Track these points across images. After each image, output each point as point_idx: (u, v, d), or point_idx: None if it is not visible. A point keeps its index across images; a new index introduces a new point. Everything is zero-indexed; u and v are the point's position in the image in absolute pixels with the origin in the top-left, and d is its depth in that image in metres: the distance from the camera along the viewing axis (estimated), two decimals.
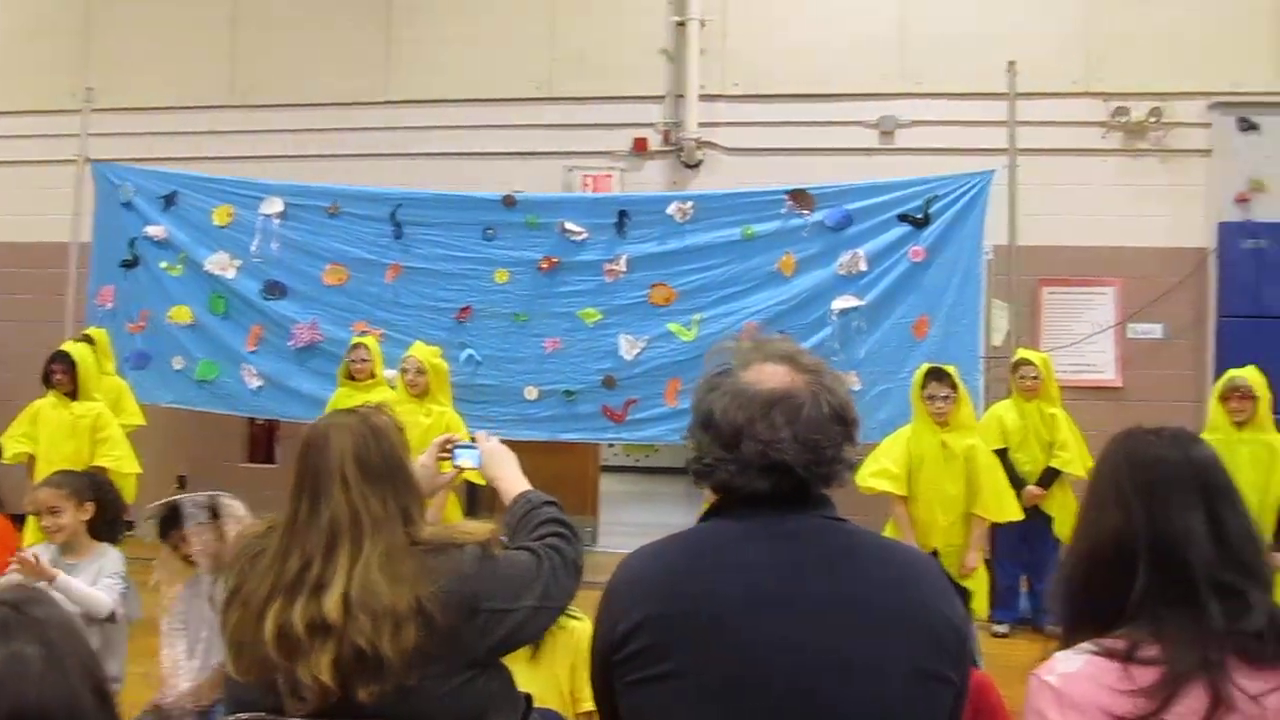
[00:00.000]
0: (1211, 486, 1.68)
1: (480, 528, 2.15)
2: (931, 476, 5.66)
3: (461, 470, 2.59)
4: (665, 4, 8.57)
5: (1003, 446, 6.40)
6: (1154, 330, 8.16)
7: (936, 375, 5.75)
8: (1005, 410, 6.57)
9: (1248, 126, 8.14)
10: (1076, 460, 6.34)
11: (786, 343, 1.89)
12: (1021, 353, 6.69)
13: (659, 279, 7.23)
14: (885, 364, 6.94)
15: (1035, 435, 6.47)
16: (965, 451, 5.68)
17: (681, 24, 8.46)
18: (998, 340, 7.64)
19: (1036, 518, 6.40)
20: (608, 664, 1.73)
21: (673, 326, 7.16)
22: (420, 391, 6.35)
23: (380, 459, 2.10)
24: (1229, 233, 8.04)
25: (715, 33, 8.48)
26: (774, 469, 1.70)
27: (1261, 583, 1.64)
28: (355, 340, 6.83)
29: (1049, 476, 6.44)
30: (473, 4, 8.76)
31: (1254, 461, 5.77)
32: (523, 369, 7.35)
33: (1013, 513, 5.83)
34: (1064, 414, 6.53)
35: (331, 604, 1.95)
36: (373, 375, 6.57)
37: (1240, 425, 5.86)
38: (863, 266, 7.05)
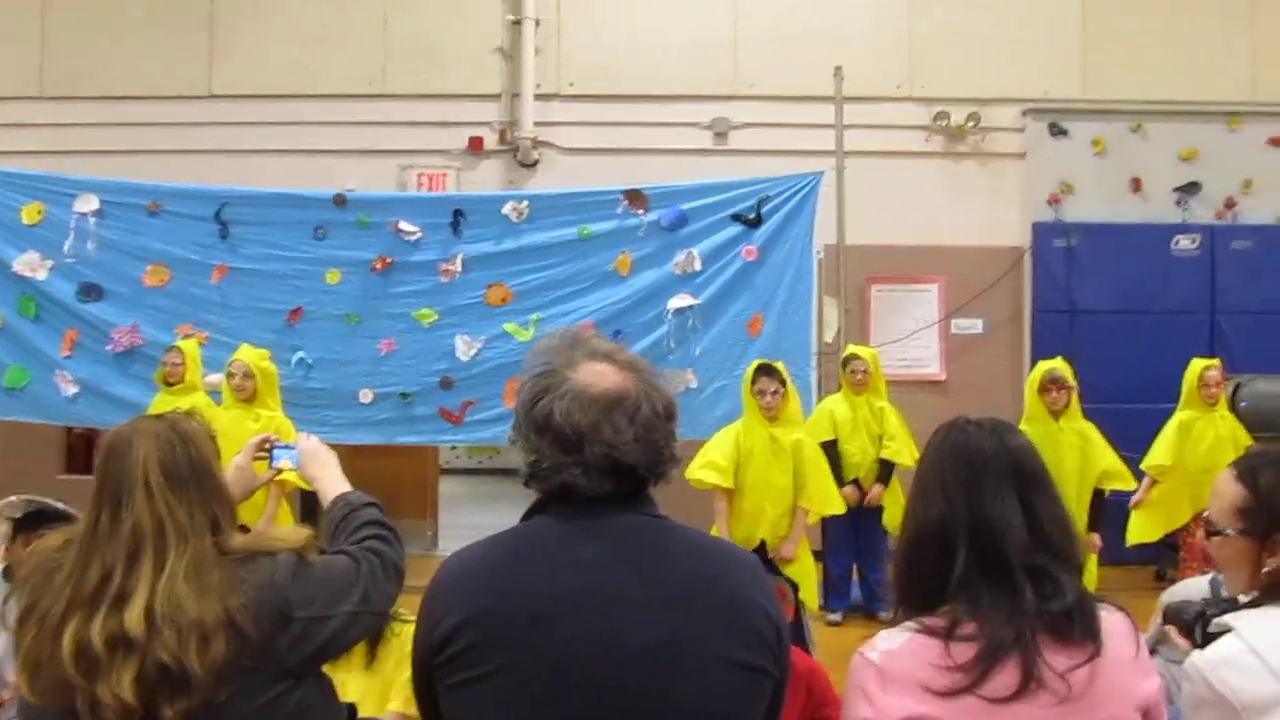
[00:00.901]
0: (1025, 474, 1.76)
1: (294, 534, 2.08)
2: (760, 469, 5.79)
3: (279, 471, 2.51)
4: (500, 2, 8.52)
5: (833, 438, 6.59)
6: (975, 325, 8.53)
7: (766, 371, 5.89)
8: (836, 403, 6.77)
9: (1058, 131, 8.59)
10: (904, 450, 6.56)
11: (600, 339, 1.89)
12: (851, 348, 6.90)
13: (495, 279, 7.16)
14: (720, 361, 7.04)
15: (864, 427, 6.68)
16: (793, 445, 5.84)
17: (517, 23, 8.43)
18: (829, 336, 7.86)
19: (868, 509, 6.61)
20: (429, 666, 1.71)
21: (510, 327, 7.11)
22: (248, 396, 6.16)
23: (187, 465, 2.02)
24: (1042, 232, 8.47)
25: (550, 32, 8.48)
26: (618, 470, 1.70)
27: (1071, 566, 1.73)
28: (173, 343, 6.56)
29: (886, 470, 6.65)
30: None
31: (1071, 449, 6.09)
32: (357, 371, 7.18)
33: (835, 506, 6.04)
34: (891, 407, 6.76)
35: (134, 618, 1.86)
36: (185, 380, 6.31)
37: (1057, 415, 6.15)
38: (697, 266, 7.14)
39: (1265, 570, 1.93)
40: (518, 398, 1.81)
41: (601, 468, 1.70)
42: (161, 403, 6.10)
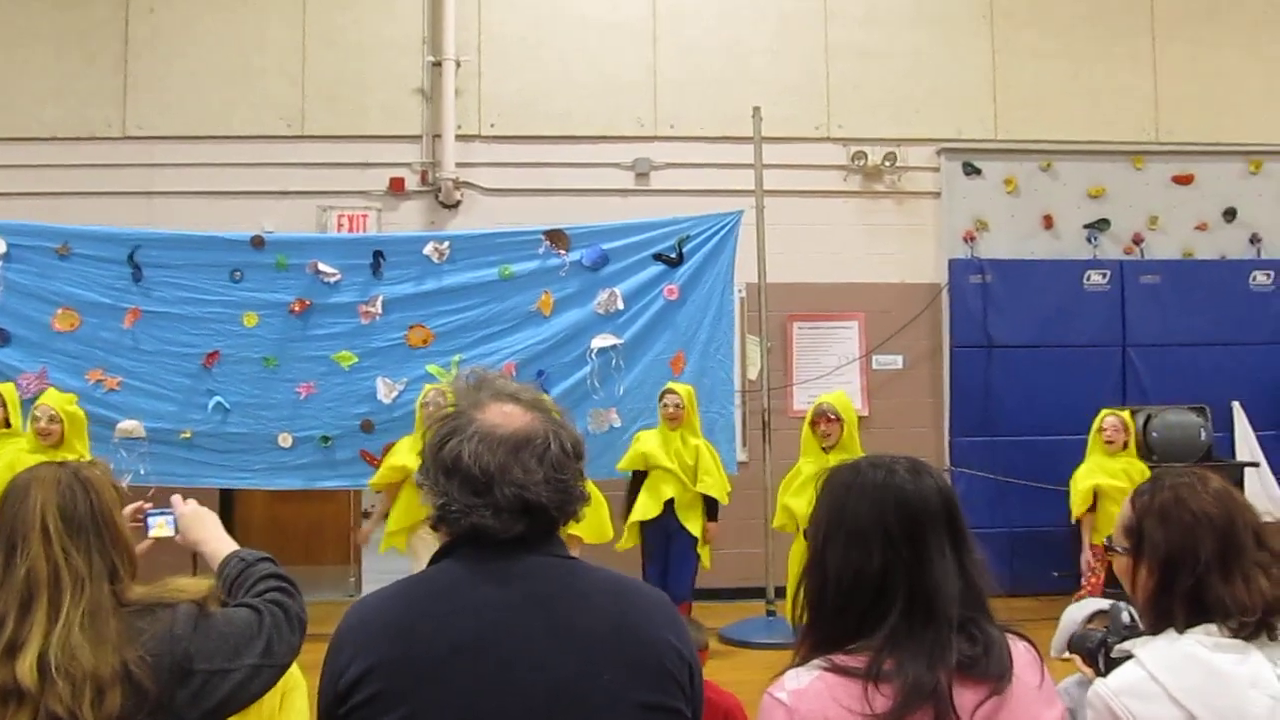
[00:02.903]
0: (956, 523, 1.74)
1: (195, 584, 2.02)
2: None
3: (154, 540, 2.42)
4: (420, 44, 8.50)
5: (644, 469, 6.61)
6: (895, 361, 8.65)
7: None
8: (649, 438, 6.72)
9: (971, 171, 8.79)
10: (716, 485, 6.60)
11: (506, 380, 1.88)
12: (669, 384, 6.82)
13: (416, 320, 7.12)
14: (644, 400, 7.05)
15: (677, 459, 6.62)
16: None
17: (437, 64, 8.42)
18: (753, 374, 7.91)
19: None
20: (334, 715, 1.67)
21: (432, 368, 7.06)
22: (54, 441, 5.97)
23: (87, 512, 1.96)
24: (958, 269, 8.64)
25: (471, 73, 8.48)
26: (529, 511, 1.69)
27: (989, 612, 1.72)
28: None
29: (711, 508, 6.67)
30: (217, 38, 8.41)
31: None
32: (275, 415, 7.07)
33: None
34: (705, 443, 6.72)
35: (25, 668, 1.79)
36: (7, 424, 6.14)
37: (828, 449, 6.24)
38: (620, 305, 7.17)
39: (1138, 592, 1.97)
40: (424, 440, 1.79)
41: (512, 509, 1.69)
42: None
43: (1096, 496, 6.74)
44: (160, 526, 2.38)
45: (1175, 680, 1.79)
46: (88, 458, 5.94)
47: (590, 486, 5.29)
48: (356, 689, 1.64)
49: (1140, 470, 6.78)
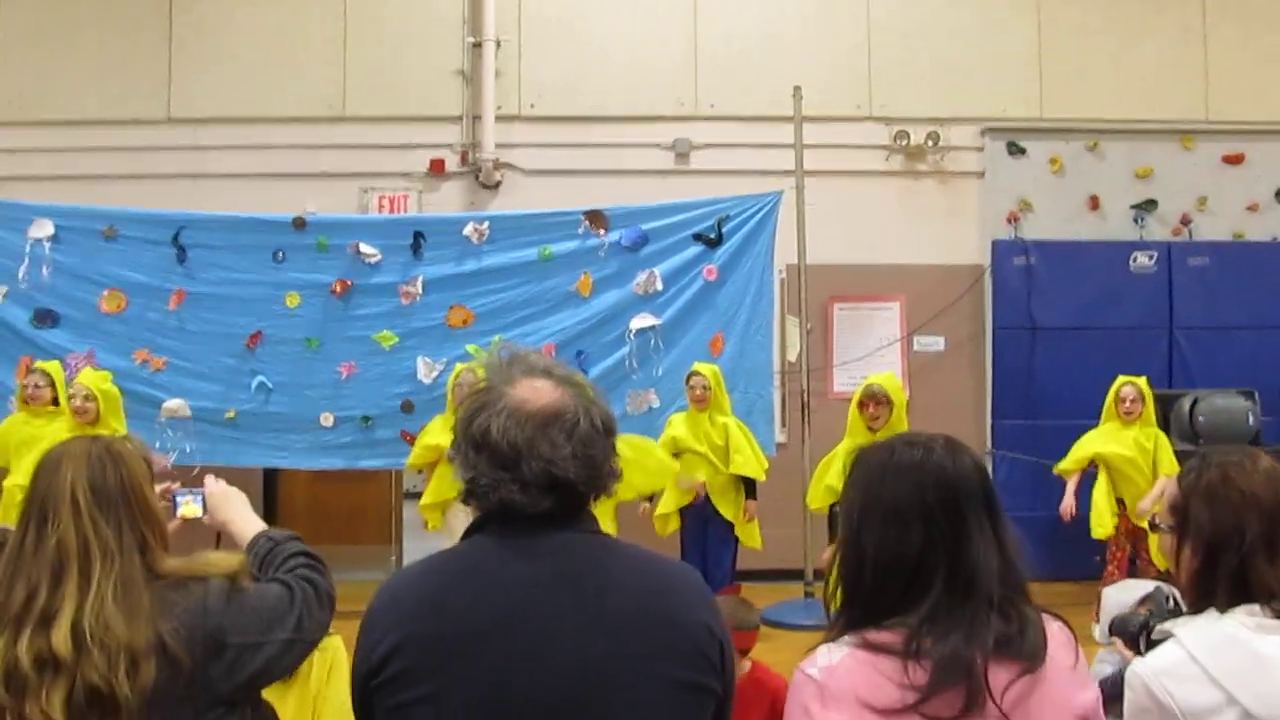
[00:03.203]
0: (993, 500, 1.74)
1: (228, 559, 2.05)
2: None
3: (182, 519, 2.42)
4: (460, 25, 8.52)
5: (677, 451, 6.58)
6: (937, 343, 8.58)
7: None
8: (679, 421, 6.70)
9: (1015, 150, 8.67)
10: (751, 462, 6.58)
11: (539, 355, 1.88)
12: (695, 365, 6.78)
13: (456, 300, 7.15)
14: (683, 382, 7.01)
15: (705, 441, 6.60)
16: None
17: (477, 45, 8.43)
18: (792, 356, 7.88)
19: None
20: (367, 689, 1.68)
21: (472, 348, 7.08)
22: (90, 419, 6.05)
23: (117, 485, 1.99)
24: (1001, 250, 8.54)
25: (511, 54, 8.49)
26: (557, 486, 1.69)
27: (1025, 592, 1.72)
28: (38, 365, 6.46)
29: (749, 486, 6.66)
30: (259, 22, 8.48)
31: None
32: (317, 395, 7.13)
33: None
34: (735, 421, 6.70)
35: (60, 637, 1.82)
36: (55, 403, 6.23)
37: (874, 431, 6.16)
38: (659, 286, 7.16)
39: (1182, 571, 1.95)
40: (456, 415, 1.80)
41: (539, 484, 1.68)
42: (14, 424, 6.15)
43: (1098, 465, 6.74)
44: (188, 505, 2.40)
45: (1215, 662, 1.77)
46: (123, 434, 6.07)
47: (637, 441, 5.26)
48: (388, 664, 1.65)
49: (1152, 436, 6.75)
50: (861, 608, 1.72)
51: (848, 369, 8.33)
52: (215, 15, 8.48)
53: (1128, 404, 6.74)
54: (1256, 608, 1.81)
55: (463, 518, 5.94)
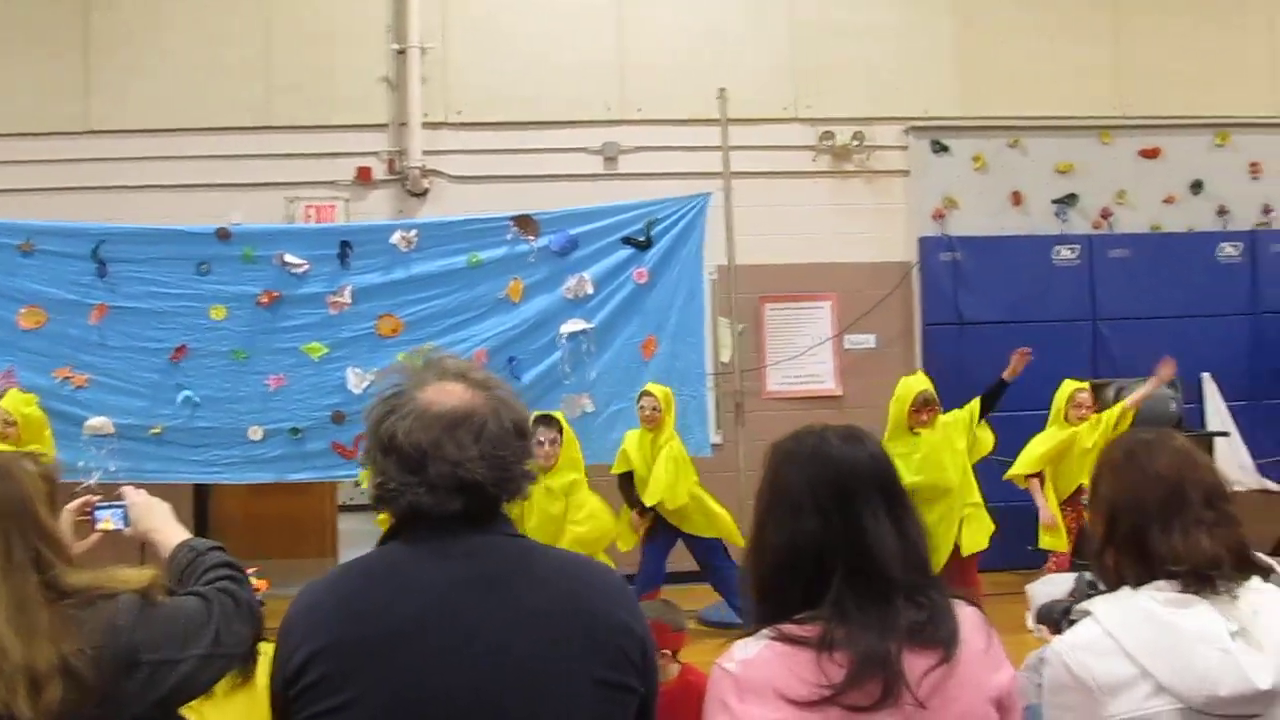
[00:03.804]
0: (890, 487, 1.77)
1: (138, 574, 1.99)
2: (536, 519, 5.82)
3: (103, 533, 2.36)
4: (385, 32, 8.45)
5: (628, 470, 6.61)
6: (868, 340, 8.67)
7: (543, 421, 5.92)
8: (630, 440, 6.69)
9: (939, 149, 8.80)
10: (656, 491, 6.50)
11: (457, 360, 1.87)
12: (648, 386, 6.74)
13: (386, 309, 7.08)
14: (616, 385, 7.05)
15: (651, 463, 6.58)
16: (565, 488, 5.97)
17: (402, 52, 8.37)
18: (725, 357, 7.91)
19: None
20: (284, 700, 1.67)
21: (402, 357, 6.99)
22: (13, 443, 5.92)
23: (5, 503, 1.93)
24: (928, 247, 8.66)
25: (436, 60, 8.43)
26: (464, 488, 1.68)
27: (934, 577, 1.75)
28: None
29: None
30: (180, 31, 8.33)
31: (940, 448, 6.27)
32: (245, 409, 7.02)
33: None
34: (670, 446, 6.59)
35: None
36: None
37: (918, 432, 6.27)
38: (589, 290, 7.15)
39: (1092, 544, 2.02)
40: (367, 420, 1.78)
41: (446, 486, 1.67)
42: None
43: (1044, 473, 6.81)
44: (107, 521, 2.35)
45: (1128, 636, 1.81)
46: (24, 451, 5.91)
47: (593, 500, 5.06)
48: (304, 672, 1.63)
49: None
50: (773, 601, 1.74)
51: (781, 369, 8.39)
52: (134, 24, 8.32)
53: (1083, 410, 6.79)
54: (1166, 583, 1.86)
55: None
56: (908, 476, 5.83)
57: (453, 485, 1.67)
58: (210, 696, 2.94)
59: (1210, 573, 1.84)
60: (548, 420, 5.93)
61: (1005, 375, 6.37)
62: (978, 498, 6.20)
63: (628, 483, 6.60)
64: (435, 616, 1.63)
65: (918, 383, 6.36)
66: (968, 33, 8.89)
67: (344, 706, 1.60)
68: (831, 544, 1.71)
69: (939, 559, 5.83)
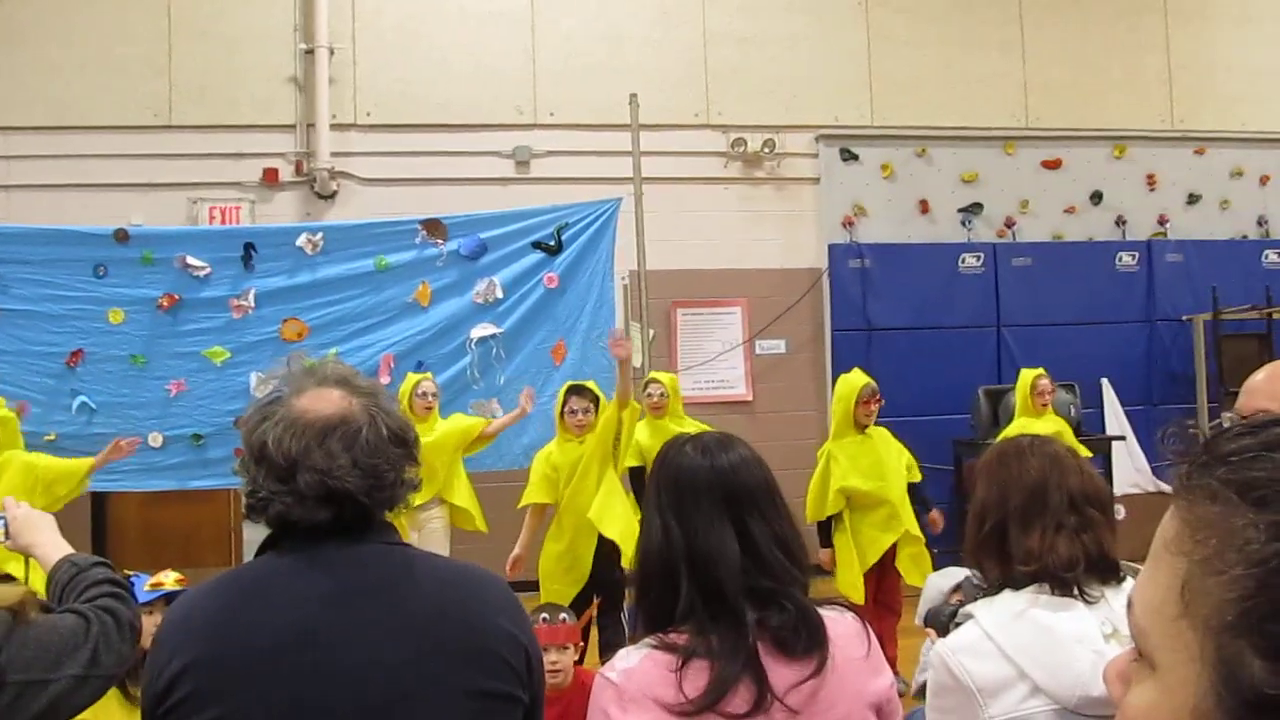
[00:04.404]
0: (737, 496, 1.76)
1: (10, 591, 1.93)
2: (576, 487, 5.75)
3: None
4: (292, 32, 8.31)
5: (640, 464, 6.57)
6: (778, 346, 8.75)
7: (577, 391, 5.89)
8: (641, 430, 6.73)
9: (849, 156, 8.92)
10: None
11: (340, 365, 1.84)
12: (651, 374, 6.88)
13: (290, 313, 6.94)
14: (526, 389, 6.99)
15: None
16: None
17: (310, 52, 8.25)
18: (637, 361, 7.90)
19: None
20: (154, 715, 1.62)
21: (307, 363, 6.88)
22: None
23: None
24: (838, 253, 8.77)
25: (345, 61, 8.32)
26: (334, 498, 1.64)
27: (794, 582, 1.74)
28: None
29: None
30: (77, 27, 8.10)
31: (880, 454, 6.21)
32: (144, 415, 6.83)
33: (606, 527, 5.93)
34: (696, 426, 6.79)
35: None
36: None
37: (864, 428, 6.26)
38: (499, 294, 7.09)
39: None
40: (242, 427, 1.74)
41: (315, 495, 1.64)
42: None
43: None
44: None
45: (1007, 638, 1.84)
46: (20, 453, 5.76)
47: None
48: (174, 687, 1.59)
49: (1060, 423, 6.88)
50: (645, 607, 1.74)
51: (692, 374, 8.42)
52: (28, 19, 8.07)
53: (1045, 396, 6.81)
54: (1047, 586, 1.89)
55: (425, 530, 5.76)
56: (854, 480, 5.89)
57: (321, 494, 1.64)
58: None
59: (1065, 575, 1.88)
60: (580, 390, 5.83)
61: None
62: (918, 530, 6.15)
63: (639, 478, 6.30)
64: (309, 630, 1.60)
65: (859, 378, 6.35)
66: (877, 43, 9.03)
67: None
68: (674, 552, 1.72)
69: (865, 563, 5.84)
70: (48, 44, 8.07)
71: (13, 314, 6.77)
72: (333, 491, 1.64)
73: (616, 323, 7.40)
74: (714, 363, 8.53)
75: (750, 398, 8.61)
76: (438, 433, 6.06)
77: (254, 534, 8.64)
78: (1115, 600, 1.88)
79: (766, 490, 1.80)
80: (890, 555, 5.97)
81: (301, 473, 1.64)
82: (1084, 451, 6.76)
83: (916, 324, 8.71)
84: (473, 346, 7.03)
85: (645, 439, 6.59)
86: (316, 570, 1.65)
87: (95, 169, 7.95)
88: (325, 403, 1.70)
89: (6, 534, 2.28)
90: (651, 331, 7.71)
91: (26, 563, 2.28)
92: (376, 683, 1.59)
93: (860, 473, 5.96)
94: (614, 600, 5.71)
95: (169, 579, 3.47)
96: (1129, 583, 1.95)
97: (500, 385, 7.02)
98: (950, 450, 8.23)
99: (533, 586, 5.62)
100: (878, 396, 6.24)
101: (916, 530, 5.98)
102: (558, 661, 3.68)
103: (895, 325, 8.69)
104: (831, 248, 8.78)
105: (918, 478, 6.31)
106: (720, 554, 1.70)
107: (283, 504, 1.65)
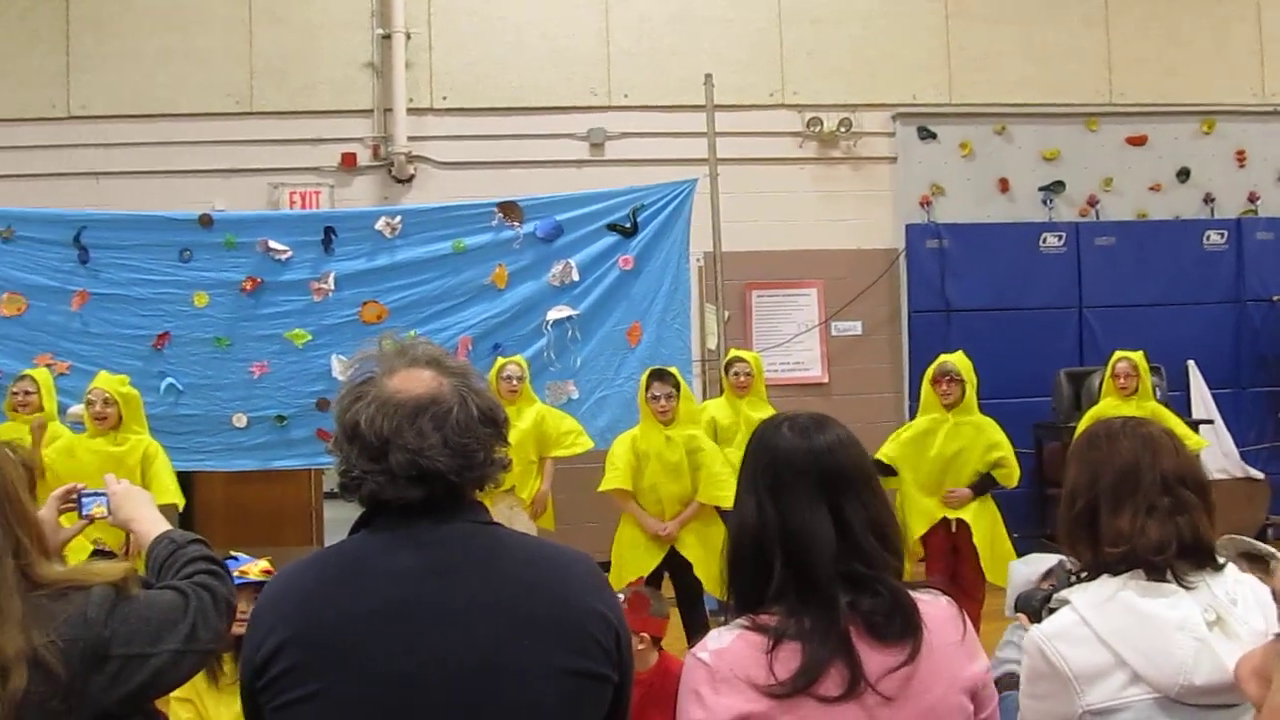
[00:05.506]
0: (832, 477, 1.74)
1: (113, 567, 1.97)
2: (656, 470, 5.79)
3: (91, 520, 2.37)
4: (369, 17, 8.40)
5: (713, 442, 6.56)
6: (854, 327, 8.67)
7: (659, 376, 5.92)
8: (718, 407, 6.69)
9: (926, 135, 8.79)
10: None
11: (431, 346, 1.85)
12: (735, 352, 6.79)
13: (369, 296, 7.04)
14: (601, 372, 7.02)
15: (746, 430, 6.62)
16: (686, 441, 5.84)
17: (387, 37, 8.32)
18: (711, 343, 7.90)
19: None
20: (253, 689, 1.66)
21: (398, 343, 6.96)
22: (112, 423, 5.92)
23: None
24: (915, 234, 8.65)
25: (421, 46, 8.39)
26: (425, 477, 1.66)
27: (888, 567, 1.72)
28: (23, 372, 6.30)
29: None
30: (160, 15, 8.26)
31: (957, 438, 6.15)
32: (229, 396, 6.98)
33: (724, 500, 5.95)
34: (773, 410, 6.75)
35: None
36: (42, 409, 6.06)
37: (949, 408, 6.20)
38: (575, 276, 7.12)
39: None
40: (335, 406, 1.77)
41: (407, 475, 1.66)
42: (7, 431, 5.88)
43: None
44: (99, 508, 2.34)
45: (1104, 623, 1.81)
46: (146, 437, 5.99)
47: (711, 448, 5.03)
48: (272, 663, 1.62)
49: (1149, 410, 6.73)
50: (737, 588, 1.74)
51: (768, 356, 8.36)
52: (114, 9, 8.25)
53: (1123, 379, 6.71)
54: (1142, 572, 1.85)
55: (504, 511, 5.87)
56: (899, 450, 5.97)
57: (413, 474, 1.66)
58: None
59: (1155, 559, 1.84)
60: (662, 375, 5.90)
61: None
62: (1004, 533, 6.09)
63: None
64: (404, 608, 1.62)
65: (943, 358, 6.31)
66: (955, 19, 8.87)
67: (311, 698, 1.59)
68: (768, 533, 1.71)
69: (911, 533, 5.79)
70: (133, 34, 8.25)
71: (104, 298, 6.95)
72: (424, 471, 1.66)
73: (691, 304, 7.39)
74: (789, 344, 8.48)
75: (826, 380, 8.55)
76: (519, 430, 6.12)
77: (335, 513, 8.82)
78: (1217, 586, 1.83)
79: (863, 473, 1.78)
80: (966, 542, 5.91)
81: (393, 452, 1.65)
82: (1195, 439, 6.68)
83: (996, 305, 8.56)
84: (549, 328, 7.06)
85: (722, 417, 6.55)
86: (409, 548, 1.67)
87: (179, 156, 8.11)
88: (416, 383, 1.71)
89: (108, 509, 2.34)
90: (727, 313, 7.68)
91: (127, 538, 2.35)
92: (470, 659, 1.60)
93: (934, 446, 5.93)
94: (693, 592, 5.77)
95: (255, 569, 3.53)
96: (1231, 569, 1.90)
97: (576, 367, 7.06)
98: (1031, 434, 8.10)
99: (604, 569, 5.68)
100: (950, 376, 6.16)
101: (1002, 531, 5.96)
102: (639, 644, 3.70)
103: (974, 306, 8.55)
104: (909, 228, 8.66)
105: (1004, 481, 6.16)
106: (814, 537, 1.69)
107: (375, 483, 1.67)
